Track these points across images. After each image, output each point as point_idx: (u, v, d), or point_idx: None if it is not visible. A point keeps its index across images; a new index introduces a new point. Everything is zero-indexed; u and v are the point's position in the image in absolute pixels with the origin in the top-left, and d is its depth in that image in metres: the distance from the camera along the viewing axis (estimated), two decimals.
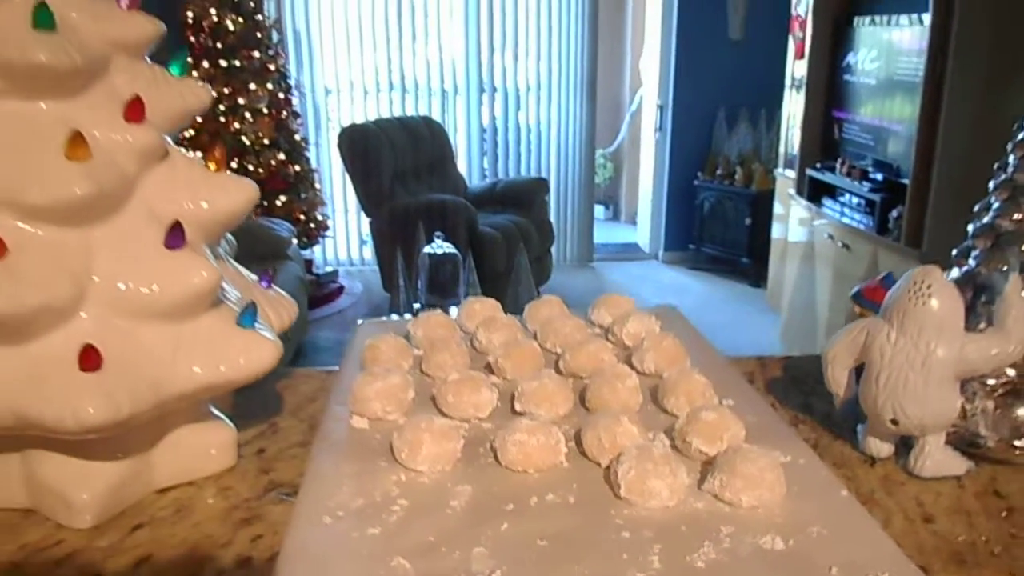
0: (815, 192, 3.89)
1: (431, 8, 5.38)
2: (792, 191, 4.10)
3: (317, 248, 5.12)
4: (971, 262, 0.71)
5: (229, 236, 0.74)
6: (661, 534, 0.57)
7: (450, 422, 0.68)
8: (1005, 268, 0.67)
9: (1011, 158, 0.70)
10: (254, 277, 0.73)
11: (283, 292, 0.74)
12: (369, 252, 5.25)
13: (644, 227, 6.10)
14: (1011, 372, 0.68)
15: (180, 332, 0.59)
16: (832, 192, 3.75)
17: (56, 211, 0.54)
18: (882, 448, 0.70)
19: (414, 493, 0.62)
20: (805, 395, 0.80)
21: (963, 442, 0.69)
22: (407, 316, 3.52)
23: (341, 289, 4.98)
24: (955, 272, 0.73)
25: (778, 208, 4.48)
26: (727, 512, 0.59)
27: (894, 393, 0.65)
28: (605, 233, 6.46)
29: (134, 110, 0.57)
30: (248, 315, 0.62)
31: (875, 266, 3.28)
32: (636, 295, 4.41)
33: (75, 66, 0.55)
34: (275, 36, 4.67)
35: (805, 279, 4.09)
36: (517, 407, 0.74)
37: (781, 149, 4.48)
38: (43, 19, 0.54)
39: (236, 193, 0.63)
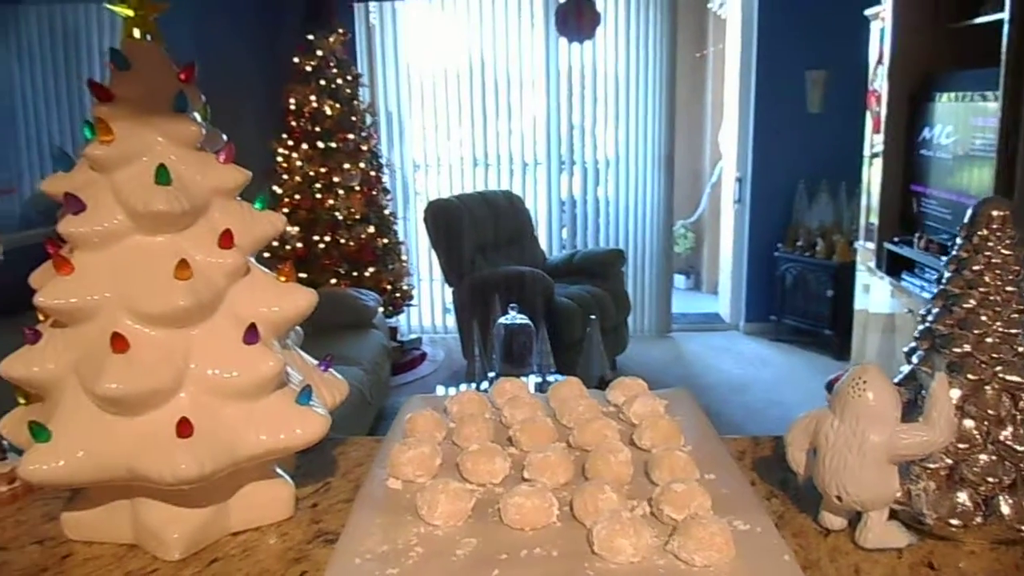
0: (894, 266, 3.88)
1: (514, 85, 5.70)
2: (872, 264, 4.10)
3: (402, 316, 5.37)
4: (914, 360, 0.82)
5: (298, 328, 0.92)
6: None
7: (464, 485, 0.82)
8: (930, 370, 0.77)
9: (946, 272, 0.81)
10: (314, 361, 0.90)
11: (337, 375, 0.91)
12: (452, 320, 5.48)
13: (725, 297, 6.12)
14: (948, 460, 0.77)
15: (252, 408, 0.76)
16: (911, 266, 3.73)
17: (166, 318, 0.73)
18: (835, 521, 0.80)
19: (429, 543, 0.76)
20: (785, 472, 0.91)
21: (911, 519, 0.78)
22: (483, 385, 3.64)
23: (424, 356, 5.19)
24: (905, 369, 0.83)
25: (860, 280, 4.46)
26: (682, 569, 0.71)
27: (837, 473, 0.75)
28: (686, 303, 6.50)
29: (226, 239, 0.77)
30: (305, 395, 0.79)
31: None
32: (715, 366, 4.50)
33: (184, 211, 0.75)
34: (368, 119, 5.05)
35: (887, 353, 4.04)
36: (525, 475, 0.87)
37: (861, 221, 4.48)
38: (162, 176, 0.74)
39: (300, 300, 0.82)
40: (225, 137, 0.85)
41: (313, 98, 4.74)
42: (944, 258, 2.73)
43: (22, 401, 0.80)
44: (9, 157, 2.81)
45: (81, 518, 0.81)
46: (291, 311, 0.81)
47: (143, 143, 0.76)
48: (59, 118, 3.22)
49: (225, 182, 0.79)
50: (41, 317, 0.80)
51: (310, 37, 4.74)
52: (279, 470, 0.86)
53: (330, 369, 0.91)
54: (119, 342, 0.70)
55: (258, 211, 0.82)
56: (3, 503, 0.90)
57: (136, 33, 0.78)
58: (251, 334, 0.76)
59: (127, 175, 0.75)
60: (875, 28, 4.21)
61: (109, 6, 0.79)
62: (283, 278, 0.82)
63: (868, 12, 4.24)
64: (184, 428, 0.71)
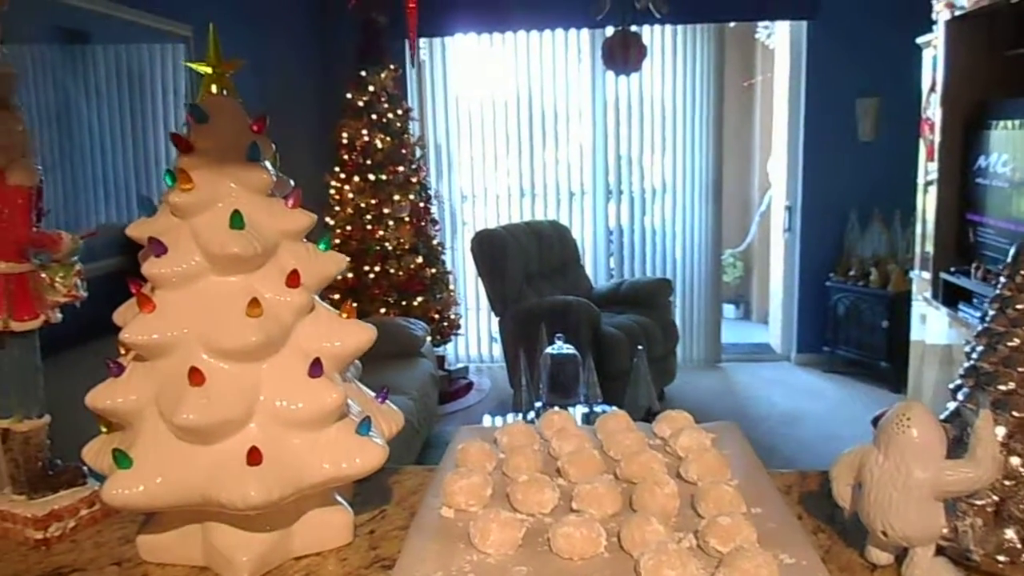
0: (951, 296, 3.80)
1: (560, 116, 5.77)
2: (929, 294, 4.02)
3: (449, 345, 5.43)
4: (959, 397, 0.83)
5: (356, 361, 0.96)
6: None
7: (514, 515, 0.86)
8: (975, 407, 0.78)
9: (990, 310, 0.82)
10: (372, 393, 0.95)
11: (394, 406, 0.96)
12: (498, 349, 5.51)
13: (775, 328, 6.04)
14: (995, 496, 0.78)
15: (315, 438, 0.81)
16: (969, 297, 3.66)
17: (238, 353, 0.79)
18: (881, 556, 0.81)
19: (481, 570, 0.79)
20: (832, 507, 0.91)
21: (958, 555, 0.79)
22: (530, 415, 3.65)
23: (470, 385, 5.23)
24: (951, 405, 0.84)
25: (916, 311, 4.37)
26: None
27: (881, 509, 0.76)
28: (735, 333, 6.43)
29: (293, 279, 0.82)
30: (364, 425, 0.84)
31: None
32: (766, 398, 4.44)
33: (256, 253, 0.80)
34: (418, 152, 5.16)
35: (945, 386, 3.94)
36: (574, 505, 0.90)
37: (916, 250, 4.40)
38: (236, 222, 0.80)
39: (360, 335, 0.87)
40: (292, 183, 0.91)
41: (365, 132, 4.87)
42: None
43: (103, 430, 0.86)
44: (79, 194, 2.95)
45: (155, 541, 0.86)
46: (352, 346, 0.86)
47: (219, 190, 0.82)
48: (123, 156, 3.38)
49: (292, 225, 0.85)
50: (122, 351, 0.86)
51: (363, 73, 4.88)
52: (339, 497, 0.91)
53: (387, 401, 0.95)
54: (196, 376, 0.76)
55: (322, 251, 0.88)
56: (84, 526, 0.96)
57: (213, 88, 0.85)
58: (315, 368, 0.81)
59: (205, 220, 0.81)
60: (927, 55, 4.18)
61: (189, 64, 0.85)
62: (345, 315, 0.87)
63: (920, 40, 4.21)
64: (254, 456, 0.76)
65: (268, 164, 0.87)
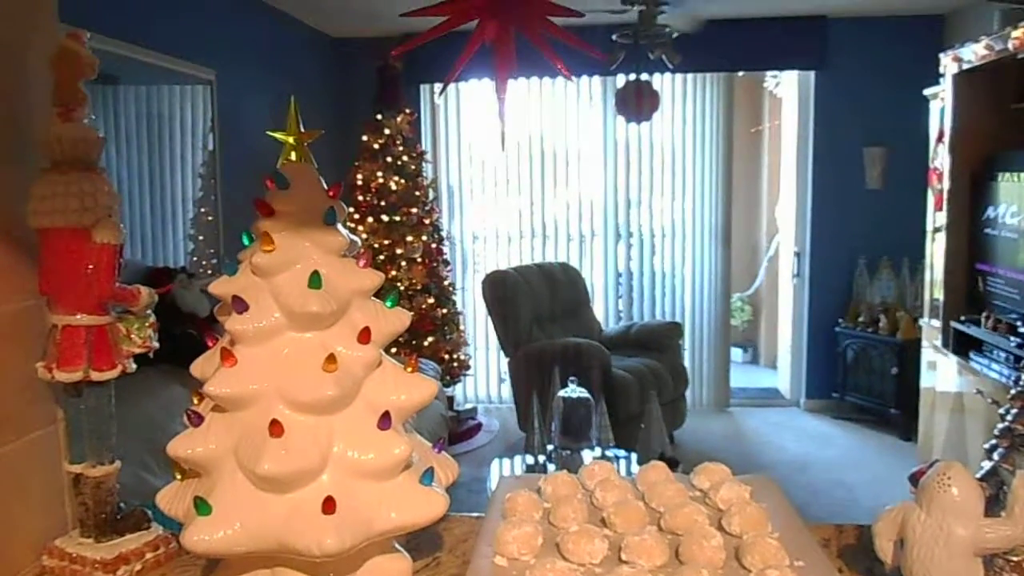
0: (961, 345, 3.84)
1: (572, 158, 5.87)
2: (938, 342, 4.06)
3: (458, 386, 5.45)
4: (995, 457, 0.87)
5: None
6: None
7: (569, 565, 0.89)
8: (1012, 467, 0.82)
9: (1023, 374, 0.86)
10: (429, 444, 0.99)
11: (448, 456, 1.00)
12: (507, 390, 5.54)
13: (784, 373, 6.06)
14: None
15: (384, 488, 0.85)
16: (979, 346, 3.70)
17: (315, 406, 0.83)
18: None
19: None
20: (871, 560, 0.95)
21: None
22: (540, 458, 3.65)
23: (479, 426, 5.24)
24: (986, 464, 0.88)
25: (925, 358, 4.40)
26: None
27: (924, 565, 0.80)
28: (744, 377, 6.45)
29: (364, 335, 0.87)
30: (428, 475, 0.88)
31: None
32: (776, 444, 4.45)
33: (332, 311, 0.86)
34: (431, 194, 5.25)
35: (956, 434, 3.96)
36: (623, 556, 0.94)
37: (926, 298, 4.45)
38: (315, 281, 0.85)
39: (424, 389, 0.91)
40: (359, 242, 0.96)
41: (380, 174, 4.97)
42: (1014, 339, 2.71)
43: (178, 477, 0.90)
44: None
45: None
46: (416, 399, 0.91)
47: (298, 252, 0.88)
48: (151, 195, 3.46)
49: (364, 285, 0.91)
50: (195, 400, 0.90)
51: (379, 117, 4.99)
52: (397, 545, 0.94)
53: (443, 451, 0.99)
54: (276, 427, 0.80)
55: (388, 308, 0.93)
56: (148, 569, 0.99)
57: (293, 156, 0.91)
58: (384, 420, 0.85)
59: (285, 279, 0.86)
60: (934, 107, 4.27)
61: (271, 134, 0.92)
62: (410, 369, 0.92)
63: (927, 91, 4.31)
64: (329, 505, 0.80)
65: (341, 227, 0.92)
